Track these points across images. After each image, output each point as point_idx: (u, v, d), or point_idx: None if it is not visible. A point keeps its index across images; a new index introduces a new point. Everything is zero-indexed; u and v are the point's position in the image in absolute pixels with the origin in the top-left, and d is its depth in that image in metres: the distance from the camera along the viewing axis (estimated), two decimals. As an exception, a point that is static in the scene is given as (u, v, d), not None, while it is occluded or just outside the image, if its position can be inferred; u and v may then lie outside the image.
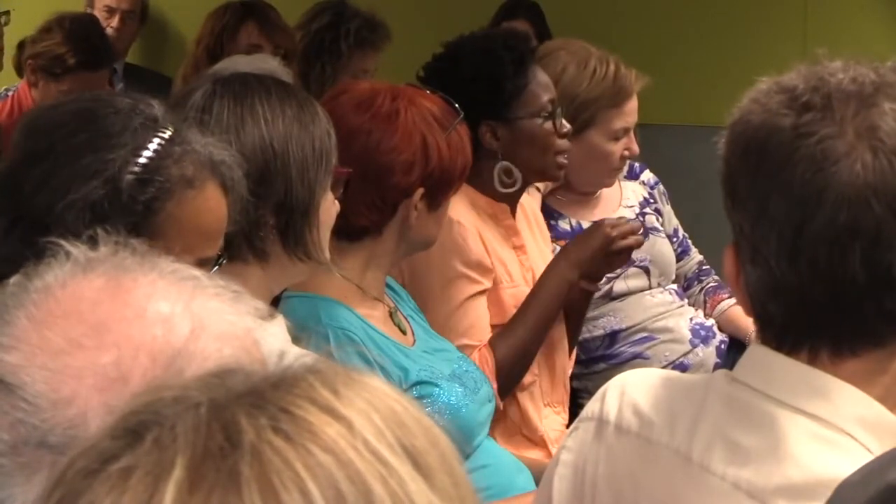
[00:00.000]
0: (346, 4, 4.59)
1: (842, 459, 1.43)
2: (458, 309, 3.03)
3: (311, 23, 4.59)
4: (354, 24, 4.50)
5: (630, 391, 1.63)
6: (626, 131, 3.55)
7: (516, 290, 3.17)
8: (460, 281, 3.05)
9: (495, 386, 2.98)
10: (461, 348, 2.98)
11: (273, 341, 1.65)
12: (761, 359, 1.53)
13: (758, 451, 1.48)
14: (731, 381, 1.55)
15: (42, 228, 1.69)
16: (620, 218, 3.32)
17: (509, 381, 3.06)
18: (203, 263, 1.81)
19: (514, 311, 3.14)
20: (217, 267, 1.85)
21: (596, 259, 3.16)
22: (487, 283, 3.10)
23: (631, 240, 3.17)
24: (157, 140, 1.79)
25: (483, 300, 3.09)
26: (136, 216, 1.75)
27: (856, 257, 1.42)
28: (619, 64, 3.53)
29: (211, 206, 1.83)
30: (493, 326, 3.12)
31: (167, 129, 1.81)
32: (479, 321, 3.07)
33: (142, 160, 1.77)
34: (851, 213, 1.42)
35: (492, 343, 3.05)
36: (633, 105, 3.56)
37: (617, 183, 3.74)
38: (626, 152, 3.57)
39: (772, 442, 1.47)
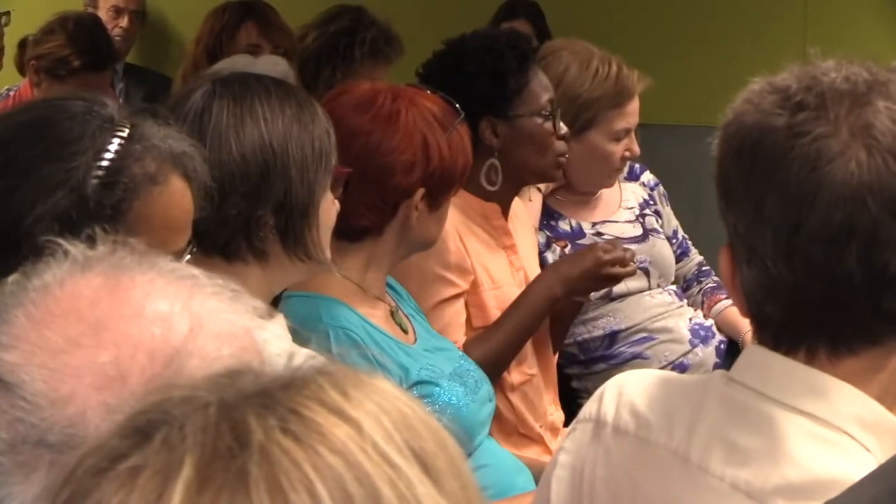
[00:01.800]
0: (364, 11, 4.56)
1: (841, 459, 1.43)
2: (433, 310, 3.03)
3: (327, 24, 4.55)
4: (371, 33, 4.46)
5: (627, 392, 1.63)
6: (627, 132, 3.56)
7: (499, 291, 3.16)
8: (437, 283, 3.05)
9: None
10: None
11: (277, 343, 1.65)
12: (758, 359, 1.52)
13: (756, 452, 1.47)
14: (729, 381, 1.54)
15: (11, 244, 1.67)
16: (615, 240, 3.33)
17: None
18: (175, 256, 1.81)
19: (496, 312, 3.14)
20: (188, 255, 1.84)
21: (584, 279, 3.17)
22: (465, 286, 3.09)
23: (619, 269, 3.18)
24: (116, 141, 1.77)
25: (459, 303, 3.09)
26: (105, 220, 1.71)
27: (852, 256, 1.42)
28: (621, 64, 3.54)
29: (177, 199, 1.82)
30: (476, 328, 3.12)
31: (124, 127, 1.79)
32: (453, 323, 3.06)
33: (104, 163, 1.75)
34: (847, 213, 1.41)
35: (468, 345, 3.05)
36: (634, 106, 3.57)
37: (617, 184, 3.75)
38: (627, 153, 3.57)
39: (770, 442, 1.47)
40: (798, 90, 1.46)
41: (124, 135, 1.78)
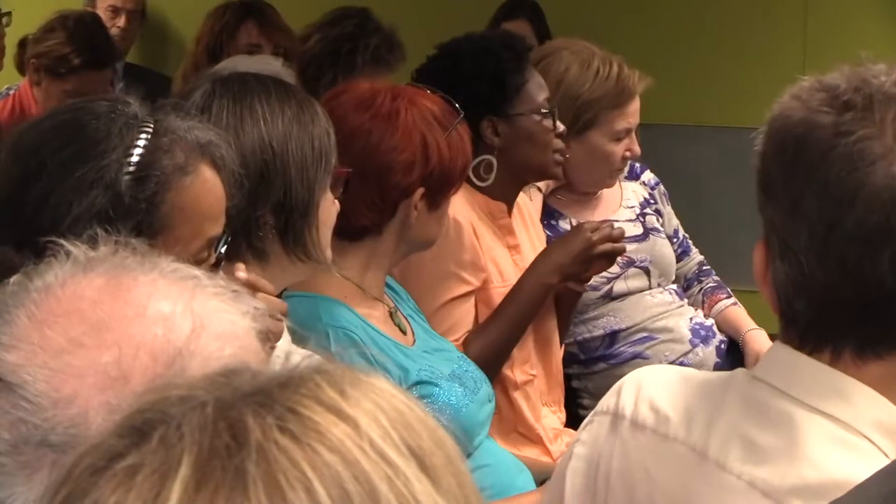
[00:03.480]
0: (369, 16, 4.52)
1: (858, 462, 1.43)
2: (443, 308, 3.04)
3: (331, 27, 4.51)
4: (374, 40, 4.43)
5: (647, 387, 1.64)
6: (627, 132, 3.56)
7: (506, 289, 3.17)
8: (450, 280, 3.06)
9: None
10: None
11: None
12: (783, 358, 1.52)
13: (774, 451, 1.48)
14: (752, 379, 1.54)
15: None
16: (603, 222, 3.32)
17: None
18: (212, 243, 1.85)
19: None
20: (226, 244, 1.86)
21: (576, 263, 3.17)
22: (477, 283, 3.10)
23: (608, 246, 3.18)
24: (143, 136, 1.80)
25: (470, 301, 3.10)
26: (141, 214, 1.76)
27: (885, 259, 1.42)
28: (622, 65, 3.54)
29: (208, 187, 1.85)
30: None
31: (149, 122, 1.82)
32: (461, 321, 3.07)
33: (134, 159, 1.78)
34: (884, 215, 1.42)
35: (466, 341, 3.06)
36: (635, 106, 3.57)
37: (617, 183, 3.75)
38: (628, 153, 3.57)
39: (789, 441, 1.47)
40: (847, 90, 1.46)
41: (150, 129, 1.81)
